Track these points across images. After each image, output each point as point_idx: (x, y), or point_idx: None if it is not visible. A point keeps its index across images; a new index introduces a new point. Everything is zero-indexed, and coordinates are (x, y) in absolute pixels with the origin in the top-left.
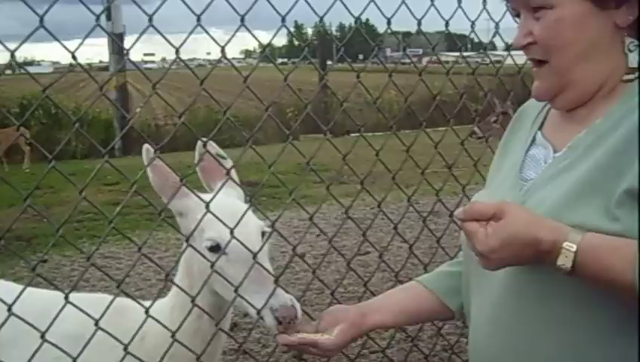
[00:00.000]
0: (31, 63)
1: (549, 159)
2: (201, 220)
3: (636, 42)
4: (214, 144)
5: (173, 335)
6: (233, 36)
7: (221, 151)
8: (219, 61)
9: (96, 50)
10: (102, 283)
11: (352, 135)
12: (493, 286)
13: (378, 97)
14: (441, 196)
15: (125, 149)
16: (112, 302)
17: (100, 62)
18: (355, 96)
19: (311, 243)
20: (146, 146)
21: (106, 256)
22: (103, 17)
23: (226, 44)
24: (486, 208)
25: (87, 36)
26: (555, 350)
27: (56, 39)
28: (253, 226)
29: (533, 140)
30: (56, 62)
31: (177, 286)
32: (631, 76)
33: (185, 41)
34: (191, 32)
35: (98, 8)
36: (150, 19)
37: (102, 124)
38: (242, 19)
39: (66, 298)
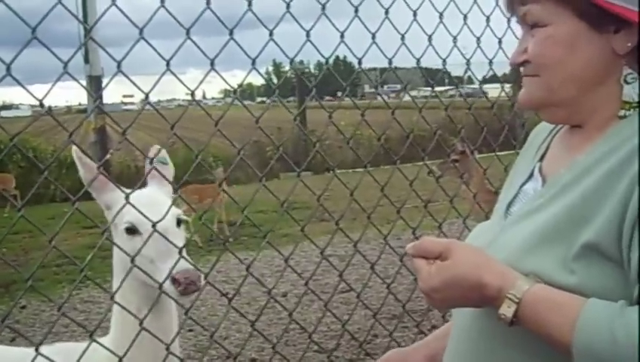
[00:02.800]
0: (10, 107)
1: (538, 190)
2: (120, 209)
3: (635, 74)
4: (160, 148)
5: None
6: (201, 82)
7: (164, 157)
8: (190, 103)
9: (75, 93)
10: (81, 329)
11: (337, 171)
12: (459, 323)
13: (351, 136)
14: (422, 230)
15: None
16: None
17: (80, 104)
18: (334, 133)
19: (292, 283)
20: (74, 148)
21: (85, 301)
22: (81, 60)
23: (196, 87)
24: (433, 246)
25: (55, 82)
26: None
27: (23, 87)
28: (168, 211)
29: (531, 174)
30: (35, 106)
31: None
32: (622, 112)
33: (155, 84)
34: (161, 76)
35: (73, 51)
36: (119, 65)
37: None
38: (212, 63)
39: (37, 350)
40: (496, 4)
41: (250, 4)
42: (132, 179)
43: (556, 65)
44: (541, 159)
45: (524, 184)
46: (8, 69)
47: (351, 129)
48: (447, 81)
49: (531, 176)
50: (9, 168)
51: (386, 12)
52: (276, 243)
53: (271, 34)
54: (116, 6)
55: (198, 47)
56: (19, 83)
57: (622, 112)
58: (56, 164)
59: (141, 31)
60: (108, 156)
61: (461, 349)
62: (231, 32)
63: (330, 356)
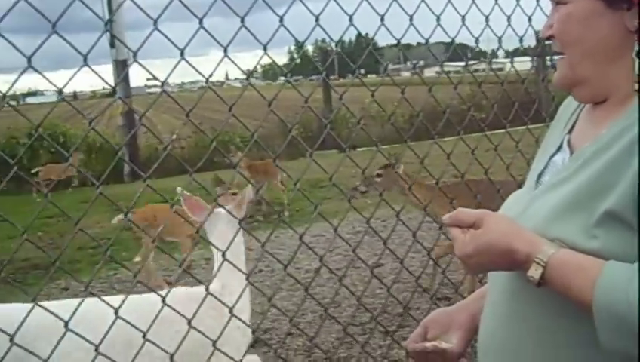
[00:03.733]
0: (35, 93)
1: (565, 161)
2: None
3: None
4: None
5: None
6: (217, 65)
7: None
8: (213, 84)
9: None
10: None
11: (359, 149)
12: (495, 286)
13: (361, 117)
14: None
15: (134, 174)
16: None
17: (104, 88)
18: (358, 111)
19: (325, 258)
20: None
21: (123, 281)
22: (107, 44)
23: (213, 71)
24: (468, 216)
25: (77, 71)
26: (537, 350)
27: (43, 76)
28: None
29: (560, 145)
30: (61, 91)
31: None
32: (637, 86)
33: (172, 70)
34: (178, 62)
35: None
36: (134, 55)
37: (110, 151)
38: (225, 50)
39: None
40: None
41: None
42: (161, 162)
43: (575, 42)
44: (570, 131)
45: (553, 155)
46: (29, 61)
47: (376, 106)
48: (470, 55)
49: (560, 147)
50: (40, 153)
51: None
52: (307, 219)
53: (281, 20)
54: None
55: (210, 34)
56: (40, 74)
57: (637, 86)
58: (85, 149)
59: (155, 22)
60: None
61: (497, 311)
62: (242, 20)
63: (365, 329)
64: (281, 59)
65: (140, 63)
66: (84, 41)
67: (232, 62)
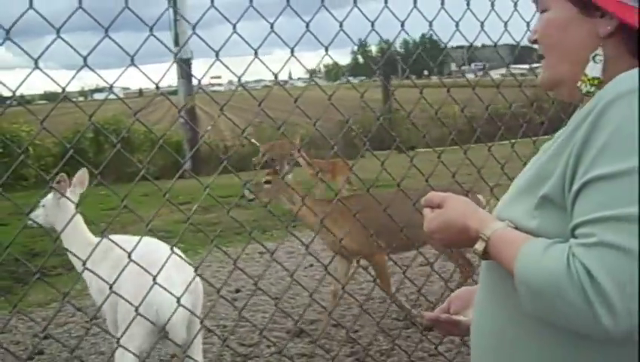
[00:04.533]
0: (102, 90)
1: None
2: None
3: (601, 55)
4: None
5: None
6: (283, 66)
7: None
8: (276, 83)
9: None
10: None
11: (418, 150)
12: (481, 277)
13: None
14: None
15: (195, 170)
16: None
17: (169, 86)
18: (418, 112)
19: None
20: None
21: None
22: (171, 42)
23: (280, 70)
24: (435, 197)
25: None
26: (516, 339)
27: (98, 75)
28: None
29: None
30: (126, 88)
31: None
32: (581, 84)
33: (246, 69)
34: (250, 63)
35: (166, 34)
36: (217, 55)
37: (172, 147)
38: (292, 51)
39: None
40: None
41: None
42: (218, 158)
43: (554, 46)
44: None
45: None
46: (85, 60)
47: (437, 107)
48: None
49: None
50: (105, 148)
51: None
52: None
53: (341, 25)
54: None
55: (276, 33)
56: (95, 72)
57: (580, 84)
58: (149, 144)
59: (234, 26)
60: (206, 133)
61: (480, 302)
62: (307, 25)
63: (407, 323)
64: (345, 60)
65: (222, 62)
66: (150, 39)
67: (298, 61)
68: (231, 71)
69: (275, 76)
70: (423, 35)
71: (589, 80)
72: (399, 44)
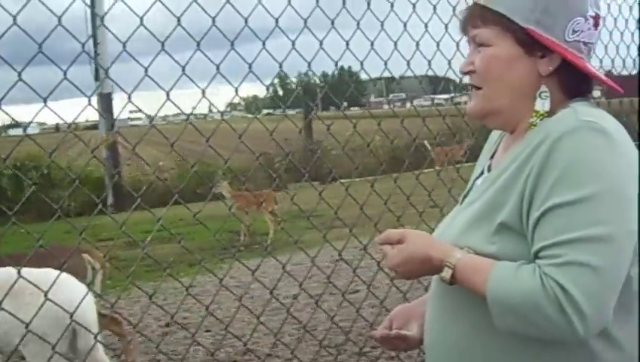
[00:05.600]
0: (18, 125)
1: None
2: None
3: (547, 92)
4: None
5: None
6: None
7: None
8: (197, 117)
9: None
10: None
11: (341, 181)
12: (431, 289)
13: (345, 145)
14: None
15: (117, 205)
16: None
17: (87, 120)
18: (341, 143)
19: (303, 286)
20: None
21: (109, 308)
22: (90, 77)
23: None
24: (393, 235)
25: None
26: (466, 342)
27: (9, 115)
28: None
29: (483, 170)
30: (43, 123)
31: None
32: (533, 120)
33: (160, 109)
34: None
35: (86, 68)
36: (129, 97)
37: (94, 183)
38: (203, 92)
39: None
40: None
41: (247, 21)
42: (144, 193)
43: (497, 79)
44: (492, 157)
45: (477, 178)
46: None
47: (357, 138)
48: (452, 88)
49: (483, 172)
50: (24, 185)
51: (382, 24)
52: (286, 250)
53: (250, 66)
54: (144, 26)
55: (207, 56)
56: (4, 112)
57: (533, 120)
58: (69, 180)
59: (146, 70)
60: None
61: (432, 309)
62: (232, 43)
63: (340, 350)
64: (263, 92)
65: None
66: (69, 73)
67: (208, 99)
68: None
69: (188, 117)
70: (342, 67)
71: (539, 115)
72: (319, 75)
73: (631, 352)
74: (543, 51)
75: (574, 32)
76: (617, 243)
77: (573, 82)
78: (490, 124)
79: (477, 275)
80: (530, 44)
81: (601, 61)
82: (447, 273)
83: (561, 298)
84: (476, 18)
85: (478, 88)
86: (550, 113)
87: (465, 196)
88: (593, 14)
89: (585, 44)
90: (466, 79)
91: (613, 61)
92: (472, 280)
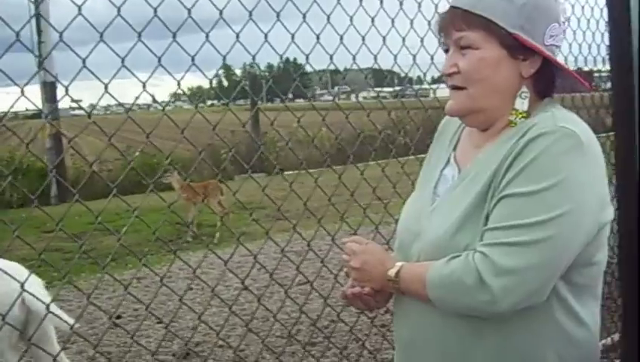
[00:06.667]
0: None
1: (454, 179)
2: None
3: (528, 92)
4: None
5: None
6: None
7: None
8: (140, 107)
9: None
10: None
11: (286, 173)
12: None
13: (289, 139)
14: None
15: (61, 196)
16: None
17: (27, 109)
18: (285, 135)
19: (253, 277)
20: None
21: (56, 300)
22: (33, 65)
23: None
24: (361, 240)
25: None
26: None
27: None
28: None
29: (448, 160)
30: None
31: None
32: (512, 117)
33: (100, 99)
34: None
35: (29, 56)
36: (67, 90)
37: (37, 173)
38: (144, 86)
39: None
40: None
41: (190, 11)
42: (86, 183)
43: (482, 80)
44: (454, 148)
45: (443, 169)
46: None
47: (302, 131)
48: (396, 81)
49: (448, 162)
50: None
51: (328, 18)
52: (235, 241)
53: (207, 36)
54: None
55: (148, 47)
56: None
57: (512, 118)
58: (11, 170)
59: (84, 61)
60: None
61: (409, 311)
62: (174, 35)
63: (291, 339)
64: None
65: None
66: (9, 60)
67: (148, 93)
68: (76, 102)
69: (128, 110)
70: (287, 59)
71: (519, 113)
72: (264, 67)
73: (595, 332)
74: (525, 54)
75: (551, 36)
76: (557, 233)
77: (545, 83)
78: (470, 121)
79: (419, 268)
80: (515, 47)
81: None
82: (393, 270)
83: (480, 265)
84: (460, 22)
85: (461, 88)
86: (526, 112)
87: (435, 187)
88: (563, 20)
89: (556, 47)
90: (449, 80)
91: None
92: (415, 272)
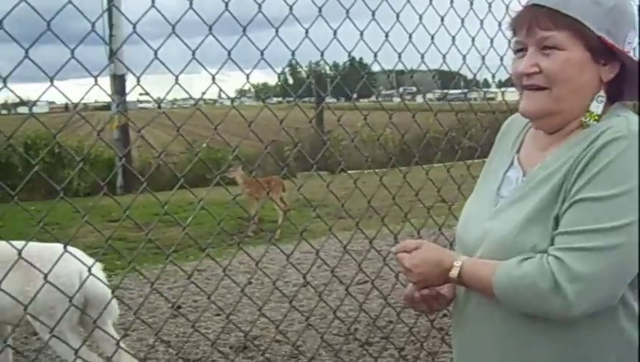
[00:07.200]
0: (26, 103)
1: (519, 181)
2: None
3: (604, 97)
4: None
5: None
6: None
7: None
8: (206, 102)
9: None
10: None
11: (350, 172)
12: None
13: (354, 137)
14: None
15: (127, 187)
16: None
17: (96, 101)
18: (352, 134)
19: (312, 274)
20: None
21: (119, 288)
22: (104, 58)
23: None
24: (410, 243)
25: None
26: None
27: (15, 94)
28: None
29: (512, 163)
30: (52, 102)
31: None
32: (586, 119)
33: (168, 93)
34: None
35: (100, 49)
36: (138, 80)
37: (104, 163)
38: (213, 78)
39: None
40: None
41: (260, 6)
42: (153, 175)
43: (568, 81)
44: (518, 151)
45: (507, 171)
46: (4, 81)
47: (367, 130)
48: (462, 84)
49: (512, 164)
50: (33, 163)
51: (397, 16)
52: (293, 239)
53: (277, 31)
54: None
55: (219, 41)
56: (11, 91)
57: (586, 120)
58: (79, 159)
59: (155, 53)
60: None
61: (473, 312)
62: (244, 29)
63: (348, 337)
64: (274, 80)
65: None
66: (81, 53)
67: (217, 85)
68: (146, 92)
69: (196, 102)
70: (354, 59)
71: (593, 116)
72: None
73: None
74: (606, 59)
75: (628, 43)
76: (630, 239)
77: (618, 88)
78: (544, 123)
79: (484, 269)
80: (599, 51)
81: None
82: (455, 270)
83: (556, 269)
84: (547, 21)
85: (541, 89)
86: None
87: (498, 188)
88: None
89: (632, 53)
90: (527, 80)
91: None
92: (479, 274)
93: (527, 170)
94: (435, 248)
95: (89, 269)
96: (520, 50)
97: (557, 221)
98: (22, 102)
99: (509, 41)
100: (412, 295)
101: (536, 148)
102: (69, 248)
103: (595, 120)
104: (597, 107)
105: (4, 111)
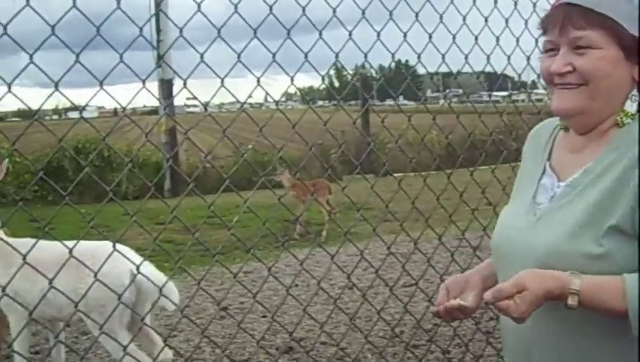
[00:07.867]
0: (76, 108)
1: (555, 187)
2: None
3: (637, 95)
4: None
5: None
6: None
7: None
8: (252, 105)
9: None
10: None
11: (396, 175)
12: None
13: (398, 139)
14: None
15: (174, 190)
16: None
17: (144, 106)
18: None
19: (357, 276)
20: None
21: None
22: (152, 63)
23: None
24: (509, 288)
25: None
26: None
27: (67, 98)
28: None
29: (544, 170)
30: (101, 107)
31: None
32: (620, 118)
33: (213, 96)
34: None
35: (147, 54)
36: (185, 83)
37: (152, 166)
38: (258, 81)
39: None
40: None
41: (304, 9)
42: (199, 177)
43: (603, 78)
44: (548, 158)
45: (540, 179)
46: (56, 85)
47: (412, 132)
48: (509, 85)
49: (544, 172)
50: (82, 167)
51: (441, 17)
52: (339, 241)
53: (320, 34)
54: (201, 12)
55: (264, 45)
56: (63, 95)
57: (621, 118)
58: (127, 161)
59: (201, 56)
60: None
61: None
62: (288, 32)
63: (393, 339)
64: (320, 84)
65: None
66: (129, 58)
67: (263, 88)
68: (193, 95)
69: (242, 105)
70: (399, 61)
71: (629, 115)
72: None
73: None
74: (637, 58)
75: None
76: None
77: None
78: (577, 122)
79: (606, 293)
80: (632, 50)
81: None
82: (573, 300)
83: None
84: (580, 20)
85: (576, 87)
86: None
87: (534, 196)
88: None
89: None
90: (560, 79)
91: None
92: (603, 299)
93: (561, 175)
94: (537, 280)
95: (137, 268)
96: (551, 50)
97: (617, 230)
98: (73, 107)
99: (536, 40)
100: (442, 308)
101: (567, 151)
102: (119, 246)
103: (631, 118)
104: (631, 106)
105: (55, 116)
